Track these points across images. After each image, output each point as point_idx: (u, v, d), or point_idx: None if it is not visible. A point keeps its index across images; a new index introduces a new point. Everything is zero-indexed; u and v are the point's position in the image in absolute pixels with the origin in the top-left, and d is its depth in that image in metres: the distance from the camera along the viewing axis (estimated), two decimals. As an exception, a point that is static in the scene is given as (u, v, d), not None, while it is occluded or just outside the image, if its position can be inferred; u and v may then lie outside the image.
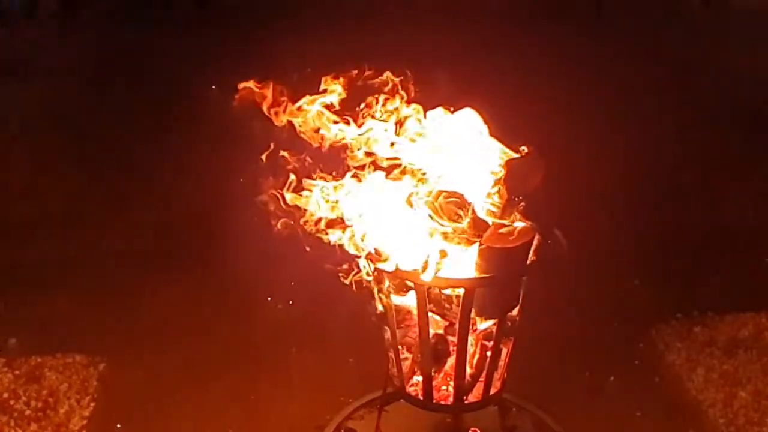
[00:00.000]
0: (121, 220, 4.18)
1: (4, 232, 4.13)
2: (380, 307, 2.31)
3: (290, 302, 3.48)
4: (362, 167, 2.30)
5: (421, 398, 2.37)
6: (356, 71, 2.37)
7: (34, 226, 4.20)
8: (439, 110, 2.37)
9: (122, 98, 5.79)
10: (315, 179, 2.28)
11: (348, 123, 2.32)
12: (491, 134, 2.39)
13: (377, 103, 2.35)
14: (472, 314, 2.22)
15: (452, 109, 2.39)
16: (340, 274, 2.28)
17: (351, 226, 2.22)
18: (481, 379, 2.36)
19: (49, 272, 3.76)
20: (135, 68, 6.45)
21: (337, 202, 2.26)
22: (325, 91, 2.34)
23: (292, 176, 2.26)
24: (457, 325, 2.23)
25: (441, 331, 2.37)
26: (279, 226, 2.25)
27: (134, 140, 5.06)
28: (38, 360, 3.16)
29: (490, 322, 2.31)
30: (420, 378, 2.36)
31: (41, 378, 3.07)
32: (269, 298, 3.49)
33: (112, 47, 7.11)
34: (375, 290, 2.29)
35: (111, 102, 5.74)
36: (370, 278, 2.26)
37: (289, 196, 2.25)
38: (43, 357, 3.17)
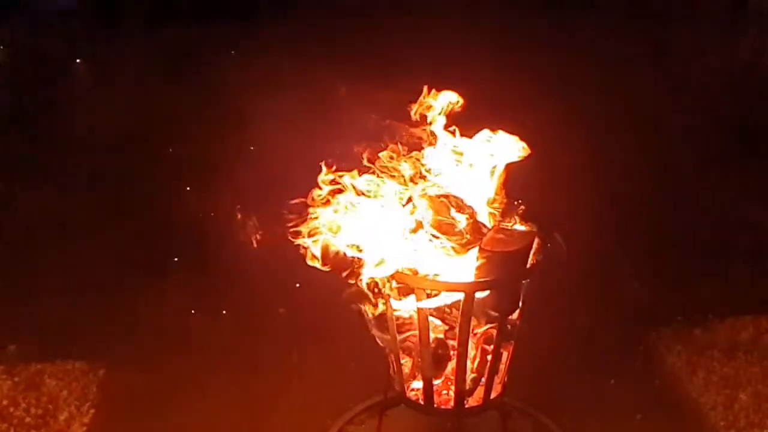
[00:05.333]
0: (121, 226, 4.17)
1: (4, 238, 4.13)
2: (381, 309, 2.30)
3: (281, 310, 3.48)
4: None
5: (422, 403, 2.37)
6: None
7: (33, 232, 4.19)
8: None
9: (124, 101, 5.76)
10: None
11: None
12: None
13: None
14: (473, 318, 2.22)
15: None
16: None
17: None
18: (481, 383, 2.36)
19: (48, 279, 3.75)
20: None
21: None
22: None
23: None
24: (457, 329, 2.23)
25: (441, 336, 2.37)
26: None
27: (134, 144, 5.06)
28: (38, 367, 3.16)
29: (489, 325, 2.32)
30: (421, 382, 2.36)
31: (41, 385, 3.06)
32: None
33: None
34: (372, 294, 2.29)
35: (113, 106, 5.71)
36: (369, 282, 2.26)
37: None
38: (43, 364, 3.17)
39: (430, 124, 2.45)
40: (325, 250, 2.23)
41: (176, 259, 3.82)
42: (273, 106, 4.72)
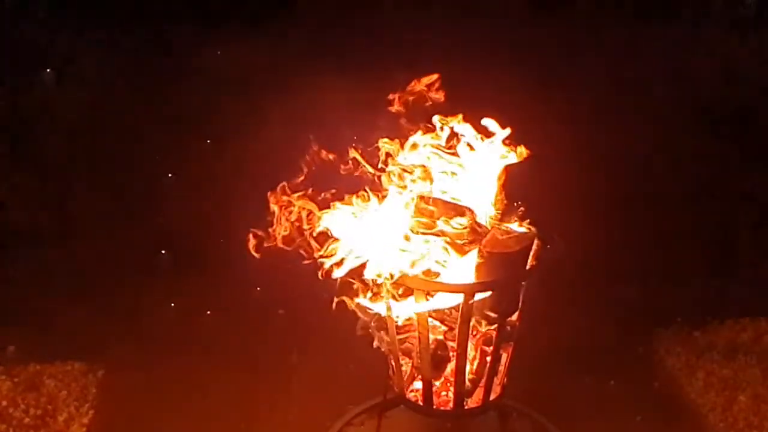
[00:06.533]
0: (121, 227, 4.17)
1: (4, 240, 4.12)
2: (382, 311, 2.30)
3: (281, 311, 3.49)
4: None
5: (422, 404, 2.37)
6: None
7: (33, 233, 4.19)
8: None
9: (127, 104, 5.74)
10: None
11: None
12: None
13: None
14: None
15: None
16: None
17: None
18: (481, 385, 2.36)
19: (47, 280, 3.75)
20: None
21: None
22: None
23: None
24: (456, 331, 2.23)
25: (441, 337, 2.37)
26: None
27: (135, 147, 5.05)
28: (37, 367, 3.16)
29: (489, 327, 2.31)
30: (420, 384, 2.36)
31: (40, 385, 3.06)
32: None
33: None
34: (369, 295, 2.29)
35: (115, 108, 5.70)
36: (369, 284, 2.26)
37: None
38: (42, 364, 3.17)
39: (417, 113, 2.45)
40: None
41: (163, 252, 3.85)
42: (270, 105, 4.72)
